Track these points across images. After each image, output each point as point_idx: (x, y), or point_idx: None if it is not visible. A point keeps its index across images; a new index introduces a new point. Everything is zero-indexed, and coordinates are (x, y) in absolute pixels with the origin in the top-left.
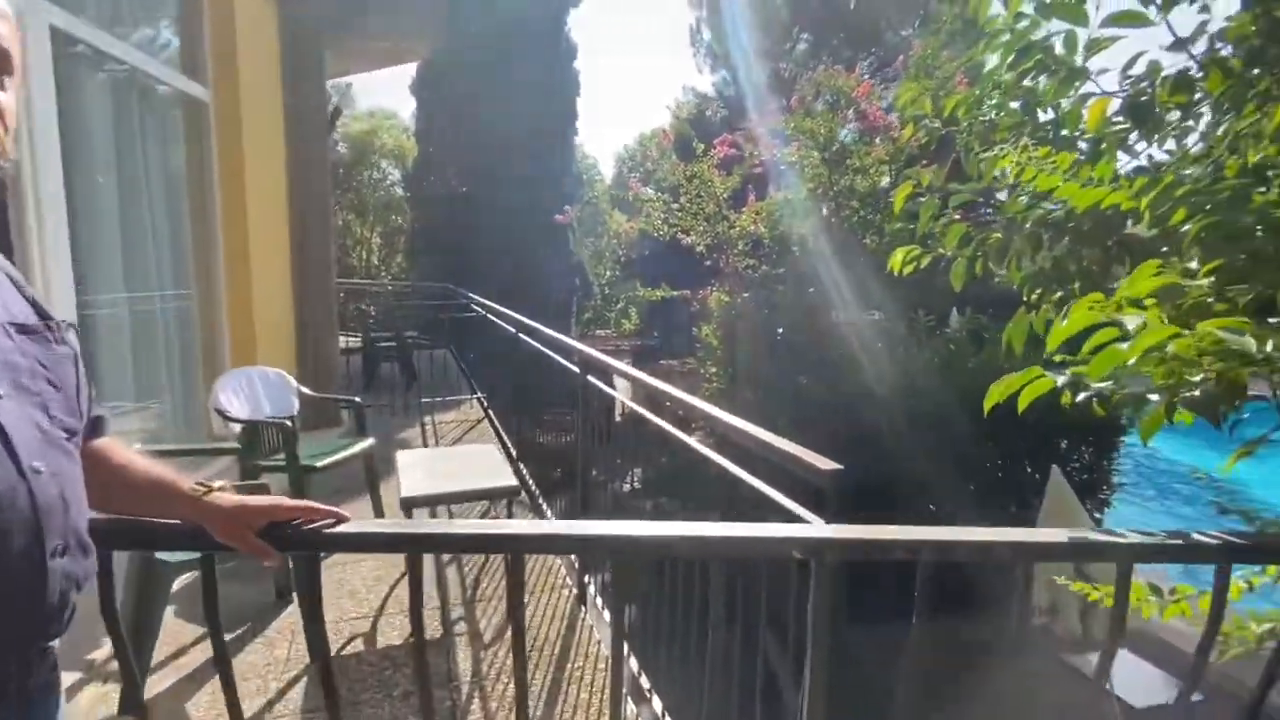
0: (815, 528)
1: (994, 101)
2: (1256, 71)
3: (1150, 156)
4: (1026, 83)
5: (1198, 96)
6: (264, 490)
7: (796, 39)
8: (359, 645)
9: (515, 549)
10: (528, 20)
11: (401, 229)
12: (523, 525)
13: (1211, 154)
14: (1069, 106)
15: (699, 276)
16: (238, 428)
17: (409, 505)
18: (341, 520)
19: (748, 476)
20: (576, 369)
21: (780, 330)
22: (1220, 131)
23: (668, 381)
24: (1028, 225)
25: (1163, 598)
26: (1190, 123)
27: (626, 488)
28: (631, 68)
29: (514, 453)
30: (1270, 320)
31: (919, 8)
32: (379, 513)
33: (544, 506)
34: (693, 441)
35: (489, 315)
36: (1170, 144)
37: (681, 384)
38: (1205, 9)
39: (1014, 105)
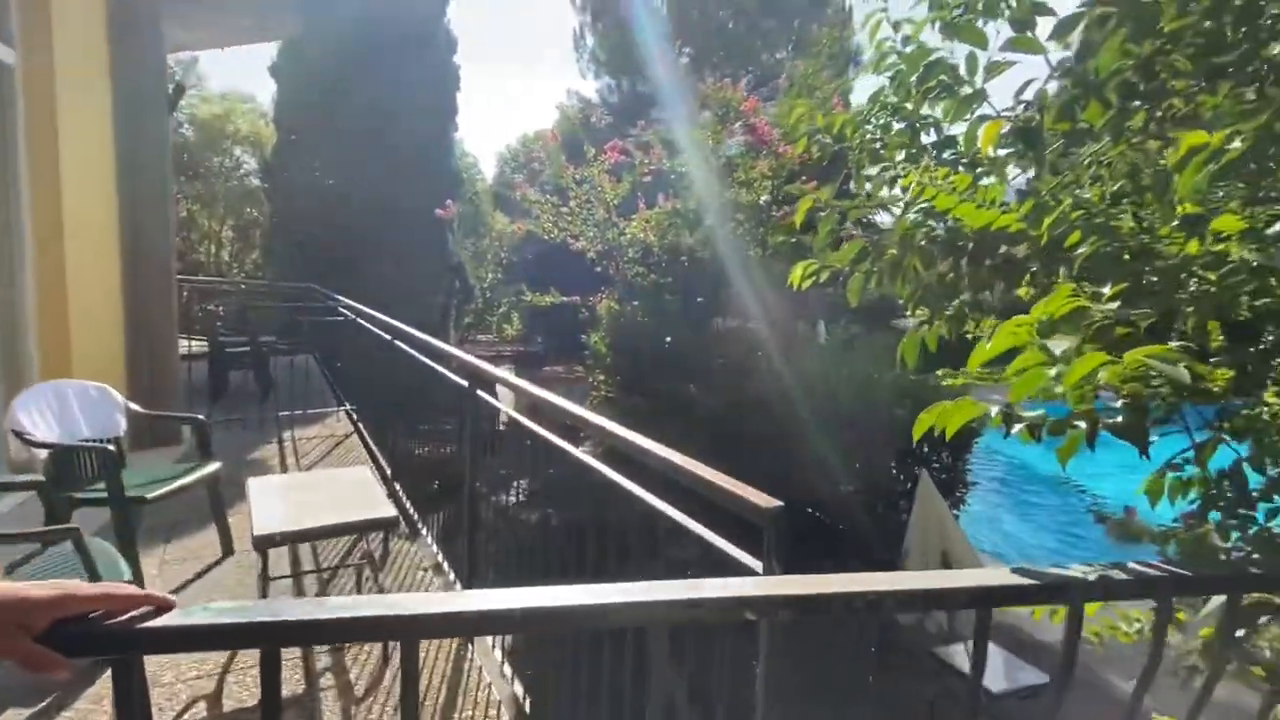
0: (768, 584)
1: (881, 122)
2: (1136, 104)
3: (1033, 180)
4: (925, 109)
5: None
6: (74, 535)
7: (680, 52)
8: None
9: (410, 634)
10: (404, 7)
11: (257, 223)
12: (418, 602)
13: (1079, 179)
14: (966, 129)
15: (588, 282)
16: (44, 454)
17: (264, 545)
18: (164, 607)
19: (667, 508)
20: (459, 378)
21: (669, 339)
22: (1085, 162)
23: (552, 389)
24: (921, 242)
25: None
26: (1073, 150)
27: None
28: (513, 69)
29: (389, 471)
30: (1175, 343)
31: (792, 33)
32: (227, 549)
33: (423, 530)
34: (583, 455)
35: (359, 319)
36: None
37: (568, 391)
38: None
39: (899, 126)
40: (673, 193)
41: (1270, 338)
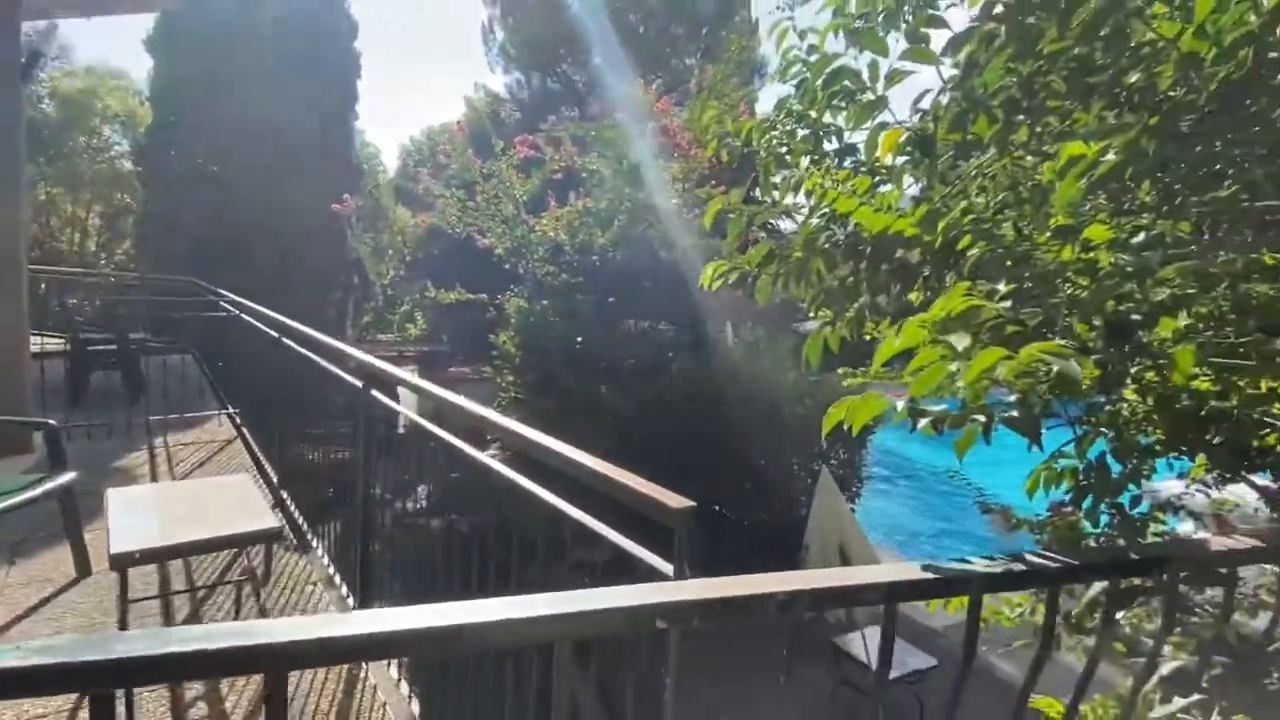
0: (679, 589)
1: (787, 128)
2: (1021, 118)
3: (926, 189)
4: (826, 116)
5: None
6: None
7: (591, 54)
8: None
9: (278, 665)
10: None
11: (129, 210)
12: (288, 628)
13: (967, 190)
14: (867, 136)
15: (495, 280)
16: None
17: (123, 564)
18: None
19: (573, 510)
20: (356, 380)
21: (580, 339)
22: (972, 173)
23: (458, 391)
24: (825, 246)
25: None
26: (961, 162)
27: (414, 505)
28: (418, 60)
29: (275, 478)
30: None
31: (701, 40)
32: (83, 570)
33: (313, 542)
34: (487, 458)
35: (244, 315)
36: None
37: (473, 392)
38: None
39: (804, 133)
40: (584, 191)
41: (1137, 338)
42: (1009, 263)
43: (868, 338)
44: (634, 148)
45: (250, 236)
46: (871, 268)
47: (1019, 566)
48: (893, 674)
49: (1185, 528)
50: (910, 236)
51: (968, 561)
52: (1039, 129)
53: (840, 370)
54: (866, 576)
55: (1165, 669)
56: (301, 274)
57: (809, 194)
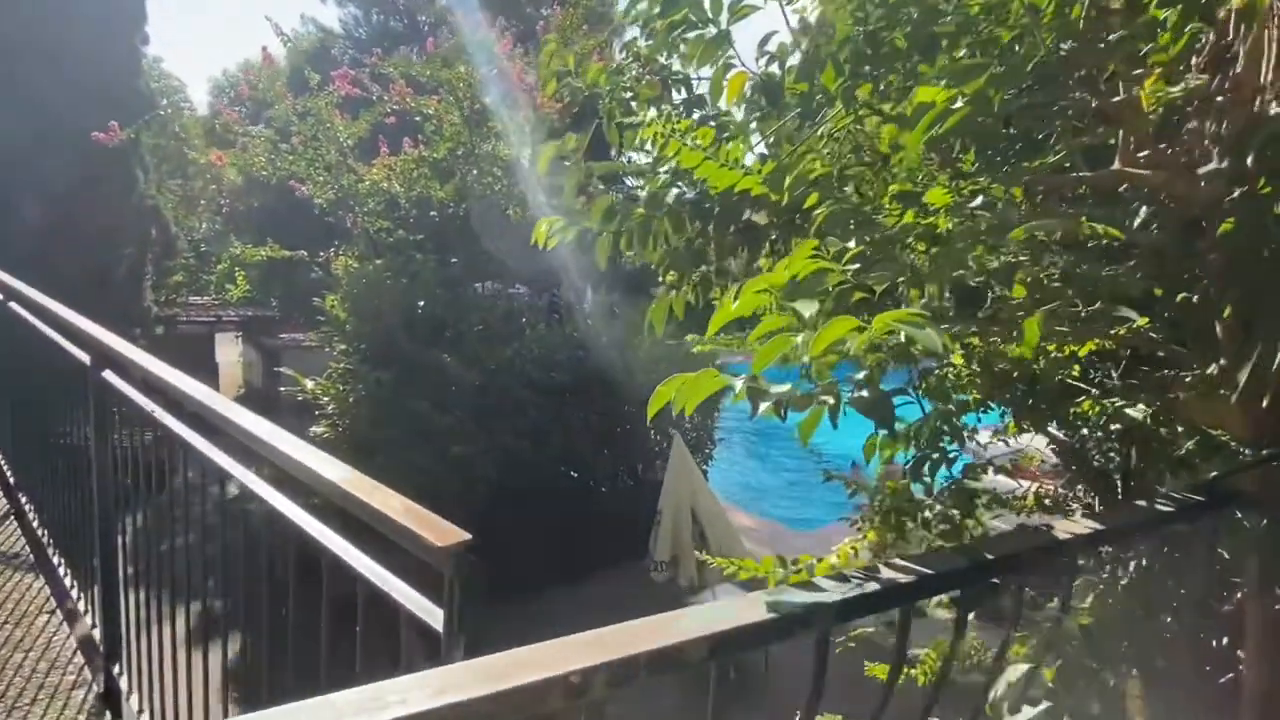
0: (430, 684)
1: (634, 73)
2: (867, 68)
3: (772, 146)
4: (675, 63)
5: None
6: None
7: None
8: None
9: None
10: None
11: None
12: None
13: (813, 148)
14: (709, 79)
15: (321, 236)
16: None
17: None
18: None
19: (329, 537)
20: (81, 355)
21: (421, 303)
22: (819, 132)
23: (289, 360)
24: (670, 204)
25: (786, 568)
26: (809, 122)
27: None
28: None
29: (12, 479)
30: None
31: None
32: None
33: (58, 562)
34: (222, 458)
35: None
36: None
37: (301, 361)
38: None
39: (649, 79)
40: (421, 138)
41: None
42: (853, 224)
43: (714, 302)
44: (478, 93)
45: (8, 183)
46: (719, 229)
47: (872, 586)
48: None
49: (1000, 479)
50: (757, 195)
51: (816, 588)
52: (882, 86)
53: (689, 337)
54: (687, 631)
55: (1013, 674)
56: (74, 224)
57: (653, 145)
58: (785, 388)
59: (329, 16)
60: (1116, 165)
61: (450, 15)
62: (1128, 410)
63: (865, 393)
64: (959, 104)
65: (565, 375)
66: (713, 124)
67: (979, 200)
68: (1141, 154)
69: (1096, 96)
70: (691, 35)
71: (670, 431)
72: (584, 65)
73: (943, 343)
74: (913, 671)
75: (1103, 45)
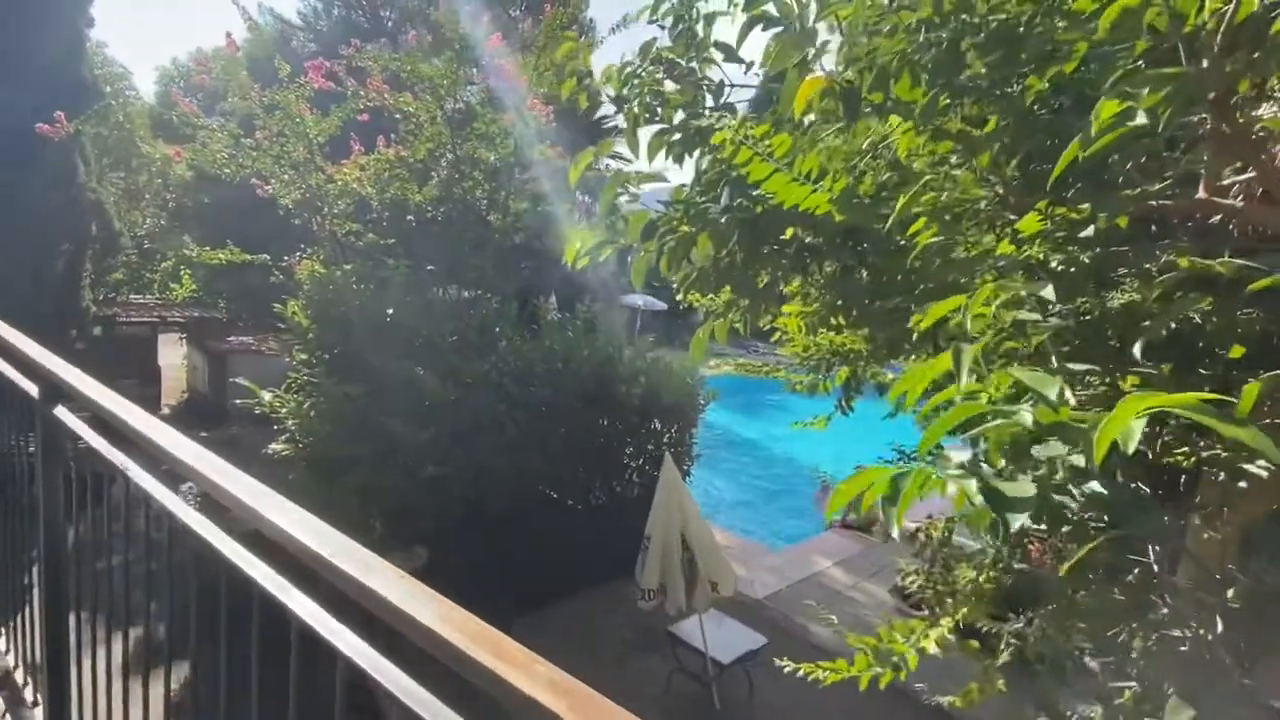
0: None
1: (656, 75)
2: (942, 82)
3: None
4: (689, 62)
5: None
6: None
7: None
8: None
9: None
10: None
11: None
12: None
13: (855, 162)
14: (786, 84)
15: (277, 233)
16: None
17: None
18: None
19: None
20: (29, 387)
21: (391, 311)
22: (869, 142)
23: (240, 365)
24: (719, 219)
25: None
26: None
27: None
28: None
29: None
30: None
31: None
32: None
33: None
34: (170, 498)
35: None
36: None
37: (259, 369)
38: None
39: (671, 86)
40: (396, 138)
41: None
42: (954, 255)
43: (764, 327)
44: (461, 91)
45: None
46: (775, 248)
47: None
48: (727, 659)
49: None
50: (820, 214)
51: None
52: (957, 104)
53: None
54: None
55: None
56: (13, 220)
57: (704, 150)
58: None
59: (286, 6)
60: (1201, 194)
61: (428, 9)
62: None
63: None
64: (1138, 118)
65: (544, 389)
66: (788, 132)
67: (1089, 230)
68: (1223, 183)
69: (1226, 120)
70: (771, 32)
71: (650, 446)
72: (573, 67)
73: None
74: None
75: (1229, 69)
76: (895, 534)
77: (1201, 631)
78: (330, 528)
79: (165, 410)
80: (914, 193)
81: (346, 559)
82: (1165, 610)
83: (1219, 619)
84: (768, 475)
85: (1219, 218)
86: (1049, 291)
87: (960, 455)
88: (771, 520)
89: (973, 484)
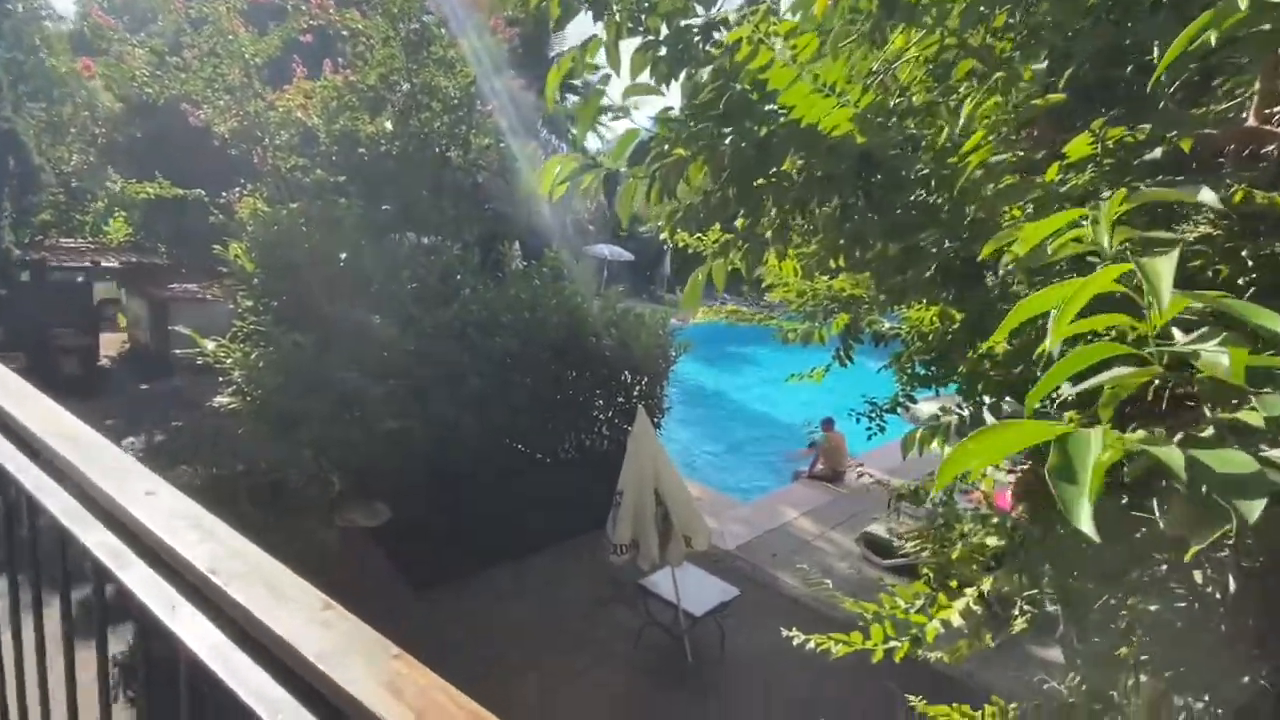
0: None
1: None
2: None
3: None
4: None
5: None
6: None
7: None
8: None
9: None
10: None
11: None
12: None
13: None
14: None
15: (219, 174)
16: None
17: None
18: None
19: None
20: None
21: (344, 255)
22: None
23: (183, 313)
24: (722, 143)
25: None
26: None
27: None
28: None
29: None
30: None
31: None
32: None
33: None
34: None
35: None
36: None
37: (205, 318)
38: None
39: None
40: (345, 62)
41: None
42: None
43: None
44: (416, 11)
45: None
46: (773, 180)
47: None
48: (700, 611)
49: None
50: (840, 136)
51: None
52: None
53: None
54: None
55: None
56: None
57: (695, 68)
58: (1249, 463)
59: None
60: (1251, 121)
61: None
62: None
63: None
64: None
65: (510, 340)
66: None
67: (1157, 151)
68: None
69: None
70: None
71: (620, 399)
72: None
73: None
74: None
75: None
76: (1087, 527)
77: (1210, 589)
78: (204, 511)
79: (105, 361)
80: (981, 94)
81: (238, 579)
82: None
83: (1232, 578)
84: (737, 427)
85: (1272, 148)
86: (1209, 195)
87: (930, 407)
88: (739, 472)
89: (1177, 455)
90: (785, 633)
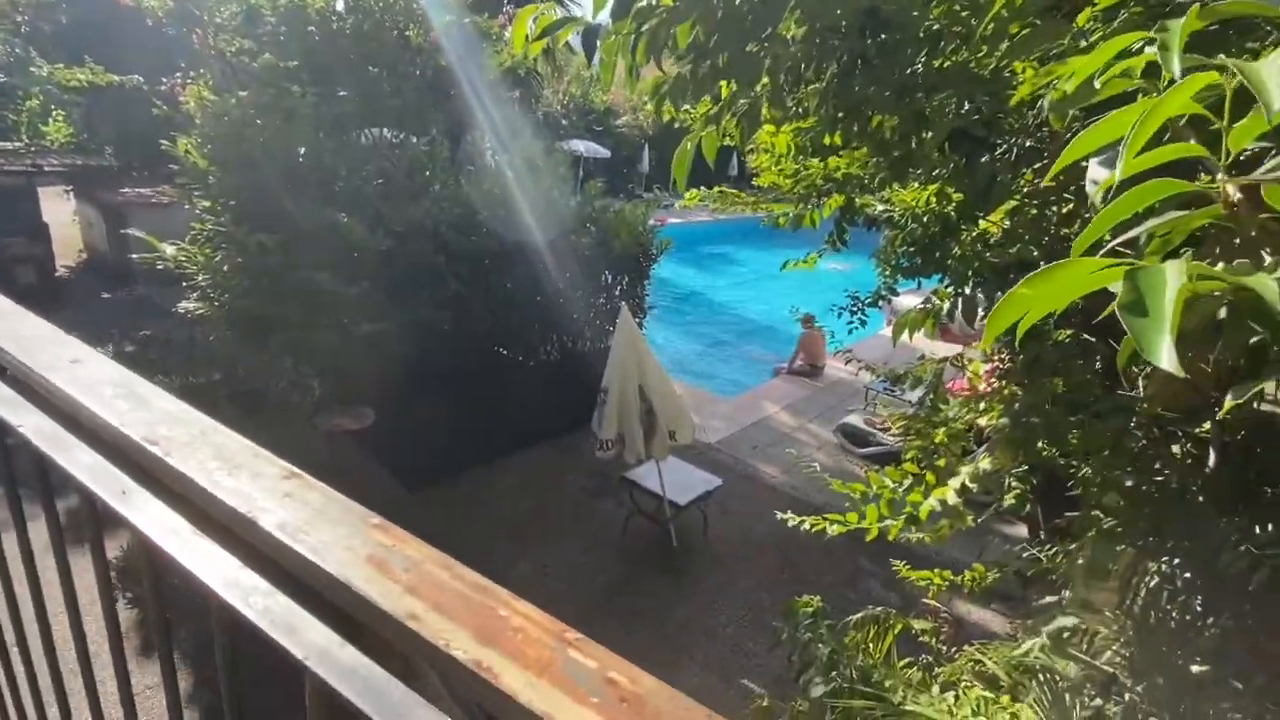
0: None
1: None
2: None
3: None
4: None
5: None
6: None
7: None
8: None
9: None
10: None
11: None
12: None
13: None
14: None
15: (158, 61)
16: None
17: None
18: None
19: None
20: None
21: (304, 150)
22: None
23: (140, 218)
24: None
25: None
26: None
27: None
28: None
29: None
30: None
31: None
32: None
33: None
34: None
35: None
36: None
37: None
38: None
39: None
40: None
41: None
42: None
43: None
44: None
45: None
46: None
47: None
48: (684, 500)
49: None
50: None
51: None
52: None
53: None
54: None
55: None
56: None
57: None
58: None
59: None
60: None
61: None
62: None
63: None
64: None
65: (487, 239)
66: None
67: None
68: None
69: None
70: None
71: (601, 300)
72: None
73: None
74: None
75: None
76: (1169, 362)
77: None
78: (137, 377)
79: (63, 271)
80: None
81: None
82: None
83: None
84: (717, 327)
85: None
86: None
87: (912, 300)
88: (720, 369)
89: (1271, 285)
90: (779, 515)
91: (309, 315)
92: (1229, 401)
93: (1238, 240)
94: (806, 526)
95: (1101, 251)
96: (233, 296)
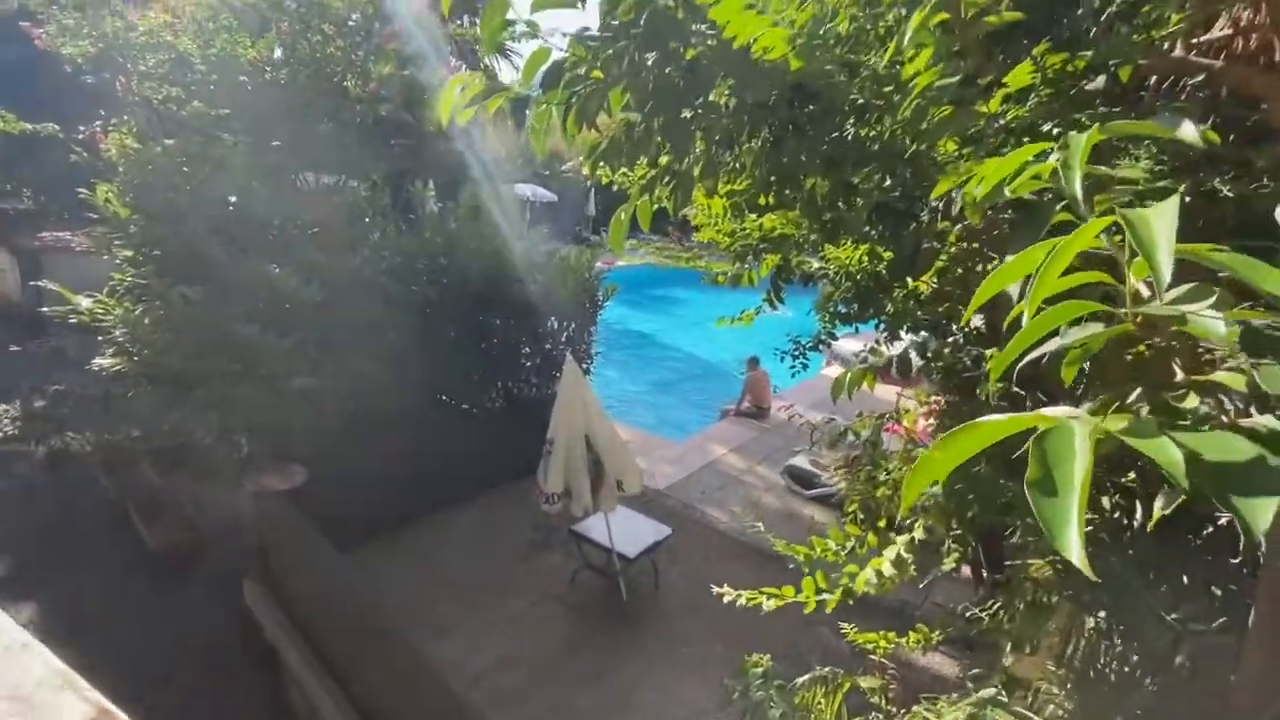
0: None
1: None
2: None
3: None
4: None
5: None
6: None
7: None
8: None
9: None
10: None
11: None
12: None
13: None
14: None
15: (78, 105)
16: None
17: None
18: None
19: None
20: None
21: (233, 199)
22: None
23: (57, 266)
24: (646, 67)
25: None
26: None
27: None
28: None
29: None
30: None
31: None
32: None
33: None
34: None
35: None
36: None
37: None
38: None
39: None
40: None
41: None
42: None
43: (689, 211)
44: None
45: None
46: (700, 111)
47: None
48: (633, 552)
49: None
50: (773, 61)
51: None
52: None
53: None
54: None
55: None
56: None
57: None
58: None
59: None
60: (1180, 53)
61: None
62: None
63: None
64: None
65: (428, 288)
66: None
67: (1099, 80)
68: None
69: None
70: None
71: (547, 346)
72: None
73: None
74: None
75: None
76: (1078, 558)
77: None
78: None
79: None
80: (929, 9)
81: None
82: None
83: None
84: (664, 369)
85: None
86: (1189, 131)
87: (851, 344)
88: (668, 412)
89: (1174, 452)
90: (715, 590)
91: (237, 370)
92: (1157, 510)
93: (1148, 352)
94: (742, 602)
95: (1019, 365)
96: (153, 352)
